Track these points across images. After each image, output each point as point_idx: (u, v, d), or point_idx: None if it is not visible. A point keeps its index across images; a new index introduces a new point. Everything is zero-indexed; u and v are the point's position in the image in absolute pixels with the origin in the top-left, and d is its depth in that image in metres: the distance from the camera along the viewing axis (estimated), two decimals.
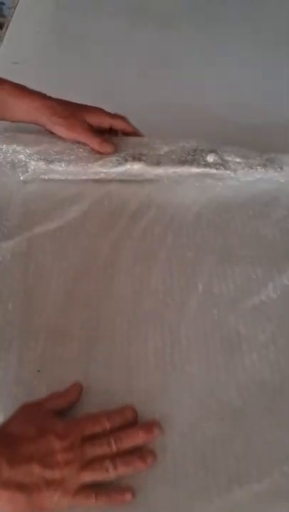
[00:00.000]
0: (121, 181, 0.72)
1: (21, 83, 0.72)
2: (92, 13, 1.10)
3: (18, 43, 1.01)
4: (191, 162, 0.72)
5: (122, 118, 0.74)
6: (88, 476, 0.44)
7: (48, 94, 0.72)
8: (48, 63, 0.96)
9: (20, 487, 0.42)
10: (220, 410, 0.51)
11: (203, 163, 0.72)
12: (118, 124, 0.74)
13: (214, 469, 0.47)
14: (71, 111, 0.72)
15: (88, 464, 0.44)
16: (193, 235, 0.67)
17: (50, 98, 0.71)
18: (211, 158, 0.72)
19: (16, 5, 1.12)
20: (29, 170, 0.72)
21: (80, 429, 0.46)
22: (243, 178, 0.71)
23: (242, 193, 0.71)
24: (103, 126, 0.73)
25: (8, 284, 0.60)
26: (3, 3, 1.58)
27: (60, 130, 0.71)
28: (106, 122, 0.73)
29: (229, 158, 0.72)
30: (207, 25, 1.08)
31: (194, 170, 0.72)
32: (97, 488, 0.44)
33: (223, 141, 0.73)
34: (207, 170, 0.72)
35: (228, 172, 0.71)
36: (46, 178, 0.72)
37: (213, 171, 0.71)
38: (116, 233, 0.67)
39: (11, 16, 1.09)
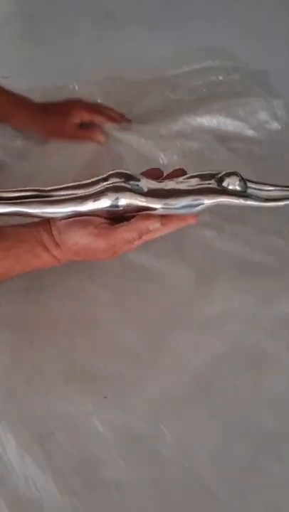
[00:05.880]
0: None
1: None
2: None
3: None
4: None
5: (100, 111, 0.80)
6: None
7: None
8: None
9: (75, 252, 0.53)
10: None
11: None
12: (97, 119, 0.79)
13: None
14: (57, 119, 0.78)
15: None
16: None
17: (39, 110, 0.78)
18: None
19: None
20: None
21: None
22: None
23: None
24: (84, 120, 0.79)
25: None
26: None
27: (53, 139, 0.79)
28: (86, 118, 0.79)
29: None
30: None
31: None
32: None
33: None
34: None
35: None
36: None
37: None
38: None
39: None
